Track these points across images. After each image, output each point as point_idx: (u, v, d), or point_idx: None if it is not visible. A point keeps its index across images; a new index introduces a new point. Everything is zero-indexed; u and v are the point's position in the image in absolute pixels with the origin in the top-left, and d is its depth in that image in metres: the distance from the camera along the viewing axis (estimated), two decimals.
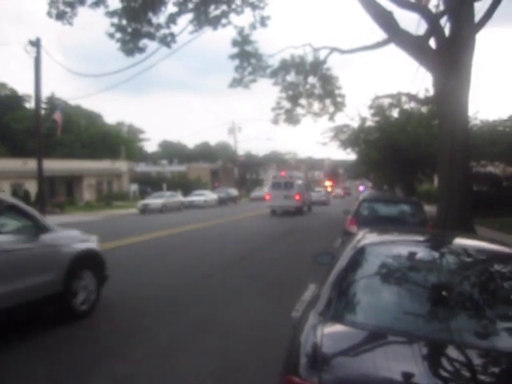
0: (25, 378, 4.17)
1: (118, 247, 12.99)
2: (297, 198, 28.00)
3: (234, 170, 65.99)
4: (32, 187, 31.65)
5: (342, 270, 2.89)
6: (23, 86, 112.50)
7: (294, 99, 20.79)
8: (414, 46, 12.11)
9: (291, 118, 21.45)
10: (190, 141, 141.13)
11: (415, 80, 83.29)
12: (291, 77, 20.25)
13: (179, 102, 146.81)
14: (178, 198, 36.99)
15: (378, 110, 26.19)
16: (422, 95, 21.29)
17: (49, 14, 14.49)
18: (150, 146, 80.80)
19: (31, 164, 27.84)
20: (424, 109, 24.77)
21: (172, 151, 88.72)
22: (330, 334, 2.34)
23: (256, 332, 5.45)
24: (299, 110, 21.38)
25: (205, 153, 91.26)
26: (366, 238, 3.51)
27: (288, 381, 2.05)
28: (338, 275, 2.84)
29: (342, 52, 16.17)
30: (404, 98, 24.54)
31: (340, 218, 14.28)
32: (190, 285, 8.08)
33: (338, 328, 2.43)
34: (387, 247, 3.41)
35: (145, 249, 13.13)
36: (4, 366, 4.42)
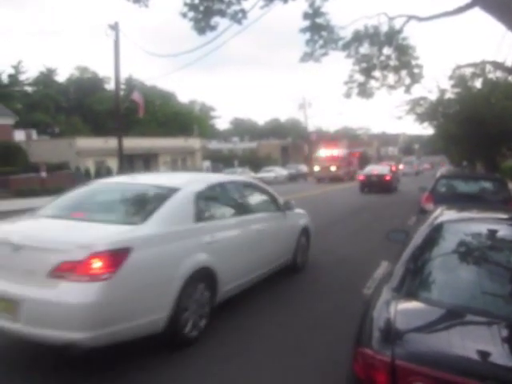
0: None
1: None
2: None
3: (305, 147, 65.43)
4: (113, 164, 33.68)
5: (418, 247, 2.84)
6: (103, 68, 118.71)
7: (367, 72, 20.07)
8: (503, 7, 11.12)
9: (364, 92, 20.76)
10: (261, 117, 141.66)
11: (501, 47, 76.77)
12: (365, 48, 19.50)
13: (250, 79, 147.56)
14: (249, 174, 37.61)
15: (459, 80, 24.53)
16: (510, 63, 19.64)
17: None
18: (222, 124, 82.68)
19: (112, 142, 29.56)
20: None
21: (243, 128, 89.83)
22: (404, 309, 2.33)
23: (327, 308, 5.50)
24: (373, 83, 20.61)
25: (275, 129, 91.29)
26: (444, 215, 3.40)
27: (360, 353, 2.09)
28: (414, 252, 2.80)
29: (420, 20, 15.27)
30: (489, 67, 22.73)
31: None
32: None
33: (412, 304, 2.41)
34: (466, 225, 3.29)
35: None
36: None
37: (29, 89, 57.62)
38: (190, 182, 5.21)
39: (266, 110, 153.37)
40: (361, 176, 27.38)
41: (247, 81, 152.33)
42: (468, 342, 2.06)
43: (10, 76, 55.39)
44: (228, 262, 4.89)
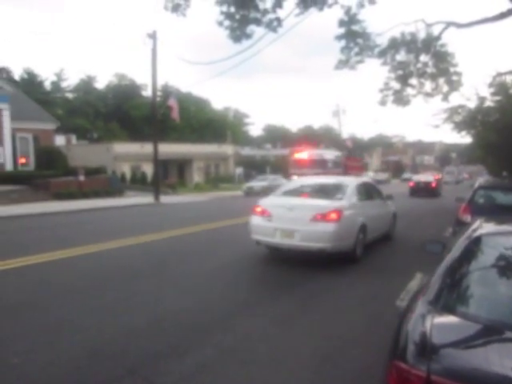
0: None
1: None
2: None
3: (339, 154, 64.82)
4: (148, 169, 34.39)
5: (455, 259, 2.78)
6: (140, 75, 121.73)
7: (403, 79, 19.79)
8: None
9: (400, 99, 20.46)
10: (294, 124, 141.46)
11: None
12: (401, 56, 19.27)
13: (283, 86, 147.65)
14: (281, 180, 37.56)
15: (500, 88, 23.77)
16: None
17: (165, 7, 15.46)
18: (255, 130, 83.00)
19: (147, 148, 30.23)
20: None
21: (276, 135, 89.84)
22: (440, 323, 2.29)
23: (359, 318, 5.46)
24: (409, 91, 20.32)
25: (308, 136, 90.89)
26: (482, 227, 3.32)
27: (395, 366, 2.07)
28: (451, 265, 2.74)
29: (459, 26, 15.00)
30: None
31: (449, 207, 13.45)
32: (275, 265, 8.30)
33: (448, 319, 2.37)
34: (506, 238, 3.19)
35: None
36: None
37: (70, 95, 59.74)
38: (351, 181, 9.59)
39: (300, 117, 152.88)
40: (411, 183, 32.75)
41: (281, 88, 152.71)
42: (506, 360, 2.01)
43: (53, 83, 57.61)
44: (370, 223, 8.87)
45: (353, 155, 45.39)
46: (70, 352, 4.27)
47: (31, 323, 5.09)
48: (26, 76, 54.76)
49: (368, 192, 9.84)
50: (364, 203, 9.08)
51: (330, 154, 30.40)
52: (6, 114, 26.45)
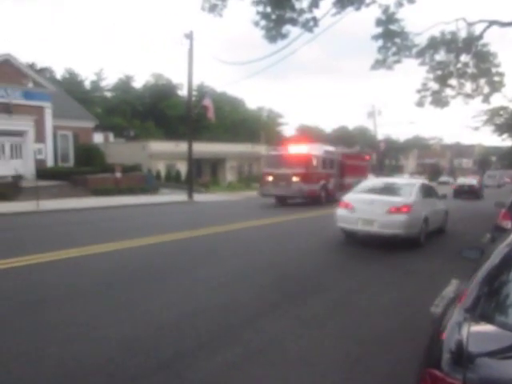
0: None
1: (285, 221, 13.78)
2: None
3: (373, 156, 63.89)
4: (182, 167, 34.87)
5: (495, 267, 2.69)
6: (176, 75, 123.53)
7: (442, 79, 19.32)
8: None
9: (439, 100, 19.99)
10: (328, 125, 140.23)
11: None
12: (440, 56, 18.85)
13: (317, 86, 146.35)
14: None
15: None
16: None
17: (202, 7, 15.65)
18: (289, 131, 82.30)
19: (182, 146, 30.67)
20: None
21: (309, 135, 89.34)
22: (477, 332, 2.23)
23: (391, 323, 5.36)
24: (448, 91, 19.85)
25: (342, 137, 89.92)
26: None
27: (429, 374, 2.03)
28: (489, 272, 2.65)
29: (502, 25, 14.51)
30: None
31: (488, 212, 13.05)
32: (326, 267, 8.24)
33: (486, 328, 2.30)
34: None
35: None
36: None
37: (108, 94, 61.35)
38: (417, 181, 12.31)
39: (334, 117, 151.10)
40: (453, 186, 35.75)
41: (315, 88, 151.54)
42: None
43: (93, 82, 59.33)
44: (430, 216, 10.96)
45: (356, 152, 38.33)
46: (104, 344, 4.40)
47: (69, 314, 5.27)
48: (67, 75, 56.67)
49: (428, 191, 11.82)
50: (425, 200, 11.14)
51: (319, 150, 22.94)
52: (49, 113, 27.46)
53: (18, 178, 23.98)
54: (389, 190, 10.99)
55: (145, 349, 4.31)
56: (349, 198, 10.94)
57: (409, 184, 11.51)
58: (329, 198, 22.19)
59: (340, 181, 24.27)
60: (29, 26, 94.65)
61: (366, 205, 10.22)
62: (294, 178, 21.00)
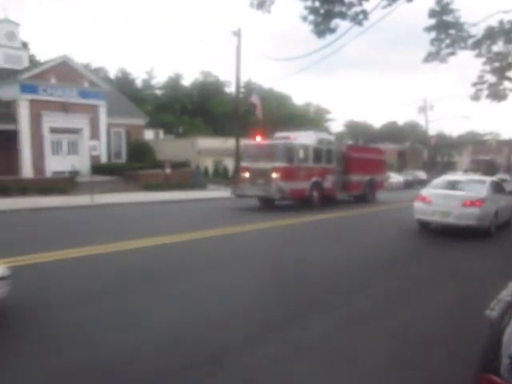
0: None
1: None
2: None
3: (424, 152, 61.88)
4: (230, 163, 35.24)
5: None
6: (224, 72, 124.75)
7: (500, 72, 18.35)
8: None
9: (496, 94, 19.00)
10: (377, 120, 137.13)
11: None
12: (498, 46, 17.86)
13: (366, 81, 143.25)
14: None
15: None
16: None
17: (251, 4, 15.67)
18: (336, 126, 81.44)
19: (230, 143, 31.01)
20: None
21: (358, 131, 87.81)
22: None
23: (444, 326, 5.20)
24: (506, 84, 18.80)
25: (392, 133, 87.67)
26: None
27: (486, 379, 1.95)
28: None
29: None
30: None
31: None
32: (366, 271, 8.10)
33: None
34: None
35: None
36: None
37: (158, 92, 62.98)
38: (487, 179, 13.07)
39: (383, 112, 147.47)
40: None
41: (363, 83, 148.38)
42: None
43: (144, 81, 61.12)
44: (499, 210, 11.81)
45: (366, 145, 31.22)
46: (154, 334, 4.56)
47: (121, 304, 5.49)
48: (120, 75, 58.67)
49: (497, 188, 12.76)
50: (495, 196, 12.15)
51: (310, 138, 18.49)
52: (103, 111, 28.57)
53: (74, 173, 25.21)
54: (462, 185, 12.33)
55: (193, 341, 4.44)
56: (426, 192, 12.33)
57: (480, 181, 12.80)
58: (325, 199, 18.57)
59: (344, 178, 20.11)
60: (84, 27, 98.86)
61: (443, 199, 11.48)
62: (274, 175, 16.69)
